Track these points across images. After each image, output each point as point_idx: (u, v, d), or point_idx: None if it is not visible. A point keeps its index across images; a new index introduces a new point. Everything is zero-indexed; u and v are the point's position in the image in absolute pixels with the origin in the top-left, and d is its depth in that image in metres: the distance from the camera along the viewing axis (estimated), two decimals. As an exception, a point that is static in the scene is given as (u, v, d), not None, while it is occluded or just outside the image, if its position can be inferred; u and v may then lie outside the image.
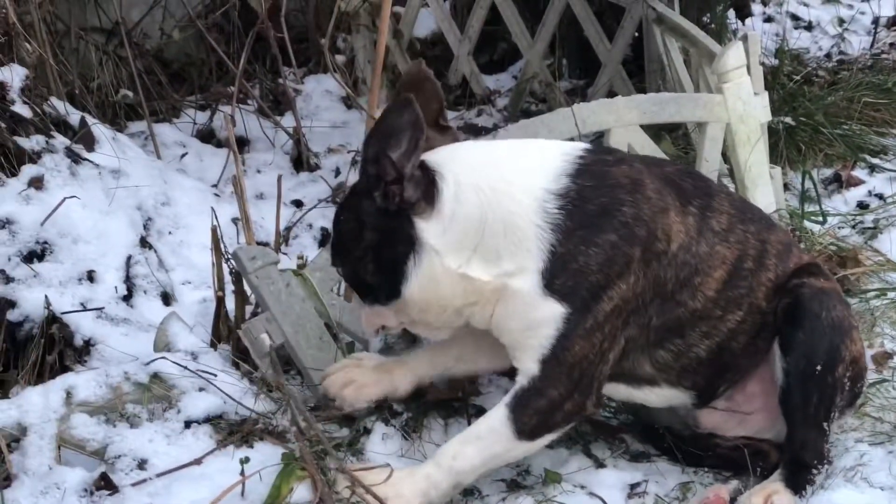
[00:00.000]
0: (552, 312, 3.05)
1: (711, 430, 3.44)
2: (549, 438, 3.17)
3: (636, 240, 3.07)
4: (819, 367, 3.21)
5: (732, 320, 3.26)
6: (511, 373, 3.28)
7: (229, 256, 3.77)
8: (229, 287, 3.83)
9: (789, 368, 3.24)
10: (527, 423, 3.11)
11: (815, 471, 3.28)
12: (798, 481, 3.27)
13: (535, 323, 3.07)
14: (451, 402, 3.56)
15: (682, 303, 3.18)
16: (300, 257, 3.90)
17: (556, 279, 3.04)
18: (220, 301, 3.84)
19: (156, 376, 3.52)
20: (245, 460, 3.12)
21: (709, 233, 3.20)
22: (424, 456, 3.38)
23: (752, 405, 3.38)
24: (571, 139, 4.19)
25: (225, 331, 3.85)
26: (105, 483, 3.20)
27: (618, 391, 3.32)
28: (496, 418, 3.12)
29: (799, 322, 3.24)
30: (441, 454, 3.15)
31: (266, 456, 3.27)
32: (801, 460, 3.28)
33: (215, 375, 3.54)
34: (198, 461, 3.28)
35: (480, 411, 3.48)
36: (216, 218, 3.90)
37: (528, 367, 3.11)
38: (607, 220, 3.06)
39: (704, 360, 3.27)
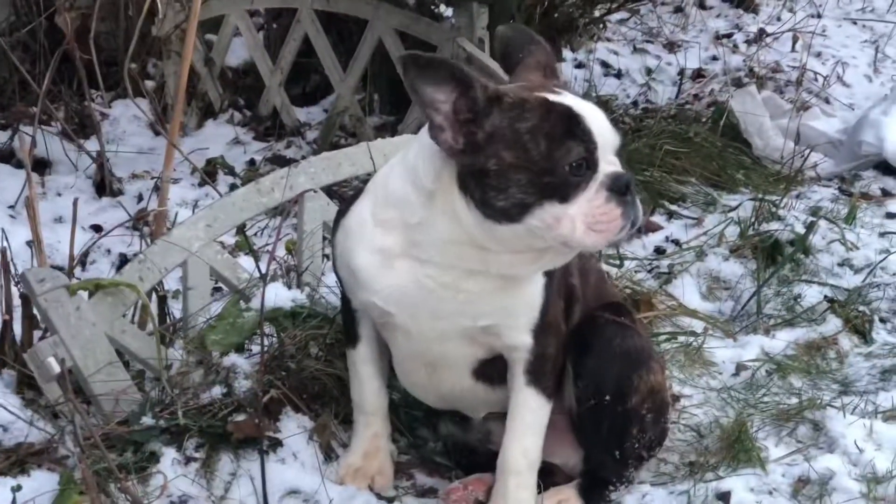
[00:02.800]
0: None
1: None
2: None
3: None
4: (608, 397, 3.28)
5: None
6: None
7: (19, 279, 3.68)
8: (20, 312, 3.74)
9: (580, 395, 3.31)
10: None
11: (612, 487, 3.38)
12: (592, 493, 3.36)
13: None
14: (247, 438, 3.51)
15: None
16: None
17: None
18: (7, 324, 3.74)
19: (-70, 401, 3.41)
20: (17, 488, 3.04)
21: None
22: (209, 483, 3.35)
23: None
24: (371, 174, 4.21)
25: (11, 355, 3.75)
26: None
27: (477, 393, 3.35)
28: None
29: (590, 344, 3.31)
30: (512, 461, 3.25)
31: (42, 483, 3.20)
32: (597, 475, 3.38)
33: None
34: (-31, 489, 3.17)
35: (276, 443, 3.46)
36: (6, 239, 3.81)
37: None
38: None
39: None
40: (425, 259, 3.07)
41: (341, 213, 3.29)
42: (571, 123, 2.91)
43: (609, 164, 2.94)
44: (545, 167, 2.88)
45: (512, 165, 2.89)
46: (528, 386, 3.23)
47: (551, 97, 2.94)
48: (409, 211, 3.06)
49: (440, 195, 3.01)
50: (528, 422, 3.25)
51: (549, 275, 3.17)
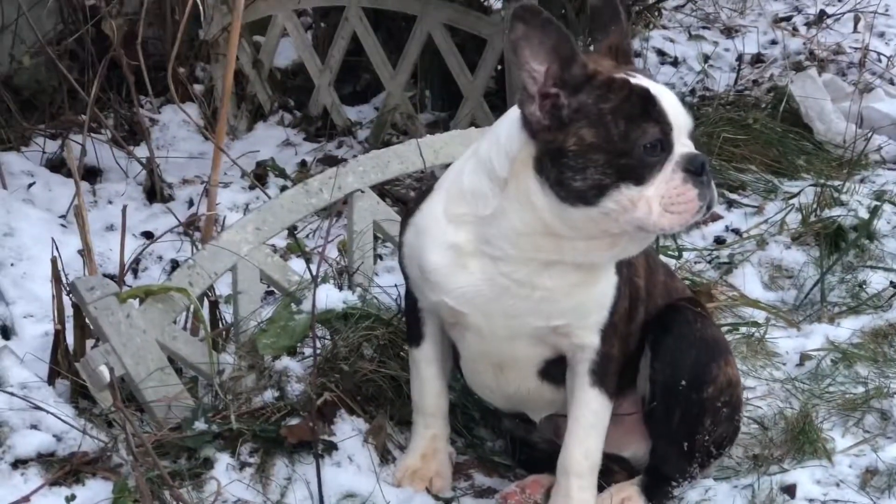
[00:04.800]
0: None
1: None
2: None
3: None
4: (684, 382, 3.24)
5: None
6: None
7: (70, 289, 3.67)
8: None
9: (655, 378, 3.27)
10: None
11: (674, 483, 3.33)
12: (655, 491, 3.32)
13: None
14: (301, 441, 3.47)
15: None
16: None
17: None
18: (59, 334, 3.74)
19: (-16, 413, 3.40)
20: (71, 497, 3.04)
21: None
22: (264, 488, 3.33)
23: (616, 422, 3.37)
24: (422, 171, 4.18)
25: (65, 364, 3.74)
26: (-76, 525, 3.08)
27: (543, 393, 3.31)
28: None
29: (669, 327, 3.28)
30: (574, 462, 3.22)
31: (97, 492, 3.20)
32: (661, 471, 3.33)
33: (45, 411, 3.42)
34: (26, 499, 3.18)
35: (331, 447, 3.42)
36: (57, 248, 3.82)
37: None
38: None
39: None
40: (498, 256, 3.05)
41: (410, 212, 3.26)
42: (648, 105, 2.91)
43: (683, 145, 2.94)
44: (622, 148, 2.88)
45: (591, 146, 2.88)
46: (592, 387, 3.20)
47: (631, 79, 2.94)
48: (483, 203, 3.05)
49: (513, 183, 2.99)
50: (591, 423, 3.22)
51: (619, 274, 3.15)
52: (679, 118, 2.94)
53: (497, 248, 3.04)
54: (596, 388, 3.19)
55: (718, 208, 5.33)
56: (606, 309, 3.15)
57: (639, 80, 2.96)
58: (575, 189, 2.90)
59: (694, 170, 2.90)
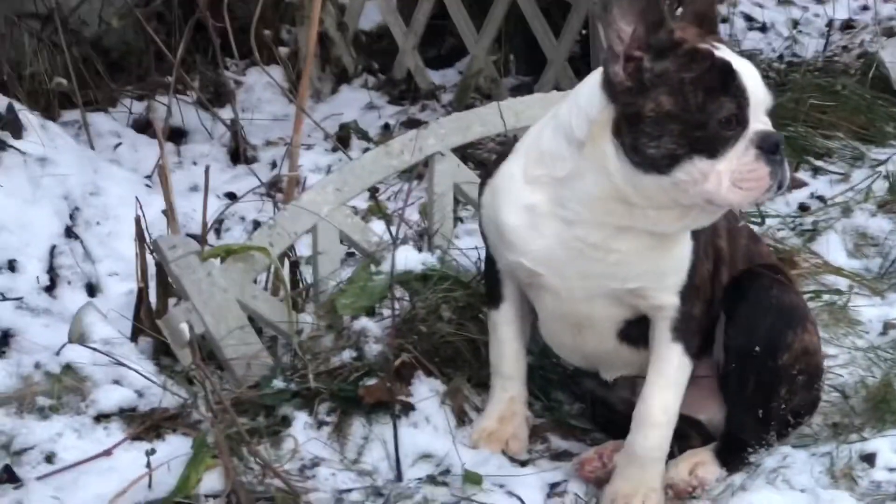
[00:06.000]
0: None
1: None
2: None
3: None
4: (758, 348, 3.22)
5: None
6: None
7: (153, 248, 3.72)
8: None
9: (729, 343, 3.26)
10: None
11: (750, 450, 3.30)
12: (729, 456, 3.30)
13: None
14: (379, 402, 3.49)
15: None
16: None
17: None
18: (142, 292, 3.79)
19: (68, 367, 3.46)
20: (151, 451, 3.09)
21: None
22: (341, 447, 3.36)
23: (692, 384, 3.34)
24: (504, 134, 4.17)
25: (148, 322, 3.79)
26: (8, 476, 3.14)
27: (621, 354, 3.32)
28: None
29: (745, 293, 3.27)
30: (649, 415, 3.19)
31: (177, 447, 3.24)
32: (736, 438, 3.31)
33: (128, 367, 3.49)
34: (107, 452, 3.26)
35: (408, 407, 3.44)
36: (141, 208, 3.86)
37: None
38: None
39: None
40: (572, 219, 3.07)
41: (489, 174, 3.30)
42: (727, 79, 2.91)
43: (760, 122, 2.93)
44: (698, 120, 2.88)
45: (668, 114, 2.90)
46: (674, 342, 3.19)
47: (715, 51, 2.94)
48: (559, 164, 3.07)
49: (590, 146, 3.01)
50: (671, 377, 3.21)
51: (696, 237, 3.15)
52: (758, 95, 2.94)
53: (571, 210, 3.06)
54: (677, 343, 3.19)
55: (804, 175, 5.28)
56: (684, 272, 3.15)
57: (722, 52, 2.95)
58: (649, 156, 2.92)
59: (767, 148, 2.90)
